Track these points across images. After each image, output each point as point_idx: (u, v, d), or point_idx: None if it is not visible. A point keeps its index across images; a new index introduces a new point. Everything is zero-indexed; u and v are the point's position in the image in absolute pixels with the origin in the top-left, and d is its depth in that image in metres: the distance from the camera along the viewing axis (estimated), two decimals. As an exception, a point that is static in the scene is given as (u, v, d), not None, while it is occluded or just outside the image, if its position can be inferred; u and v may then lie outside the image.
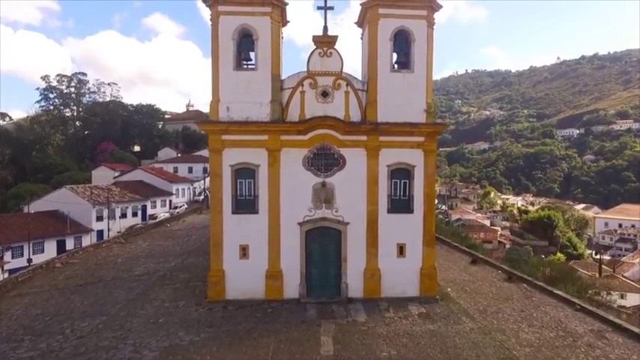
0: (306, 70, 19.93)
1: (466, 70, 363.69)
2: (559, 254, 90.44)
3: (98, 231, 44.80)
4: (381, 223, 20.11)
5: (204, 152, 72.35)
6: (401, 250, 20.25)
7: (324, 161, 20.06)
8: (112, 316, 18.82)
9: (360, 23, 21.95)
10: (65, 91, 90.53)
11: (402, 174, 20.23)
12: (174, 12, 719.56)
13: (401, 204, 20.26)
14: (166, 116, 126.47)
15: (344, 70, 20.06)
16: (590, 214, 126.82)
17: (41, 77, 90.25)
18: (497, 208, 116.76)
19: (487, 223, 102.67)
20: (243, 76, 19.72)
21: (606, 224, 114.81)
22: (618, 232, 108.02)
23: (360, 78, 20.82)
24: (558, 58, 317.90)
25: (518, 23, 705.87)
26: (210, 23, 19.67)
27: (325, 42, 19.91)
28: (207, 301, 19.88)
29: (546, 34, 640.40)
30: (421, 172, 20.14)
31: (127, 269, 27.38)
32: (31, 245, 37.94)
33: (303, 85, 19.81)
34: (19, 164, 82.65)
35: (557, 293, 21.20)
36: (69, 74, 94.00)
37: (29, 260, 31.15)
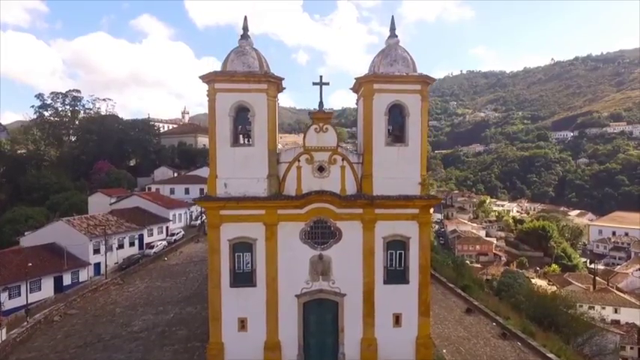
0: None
1: (461, 71, 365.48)
2: (554, 265, 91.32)
3: (95, 264, 44.82)
4: (377, 293, 20.39)
5: (201, 172, 72.47)
6: (397, 319, 20.55)
7: (321, 234, 20.32)
8: (112, 393, 19.05)
9: (355, 90, 22.18)
10: (60, 108, 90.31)
11: (397, 245, 20.50)
12: (163, 13, 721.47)
13: (396, 274, 20.56)
14: (161, 124, 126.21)
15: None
16: (584, 220, 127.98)
17: (35, 95, 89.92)
18: (493, 217, 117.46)
19: (482, 233, 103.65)
20: (240, 152, 19.92)
21: (600, 232, 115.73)
22: (612, 240, 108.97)
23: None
24: (552, 59, 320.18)
25: (507, 23, 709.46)
26: (207, 100, 19.87)
27: (321, 118, 20.15)
28: (207, 373, 20.12)
29: (539, 34, 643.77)
30: (416, 243, 20.43)
31: (125, 323, 27.57)
32: (28, 284, 37.88)
33: (299, 161, 20.06)
34: (13, 183, 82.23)
35: (551, 357, 21.56)
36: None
37: (27, 310, 31.18)
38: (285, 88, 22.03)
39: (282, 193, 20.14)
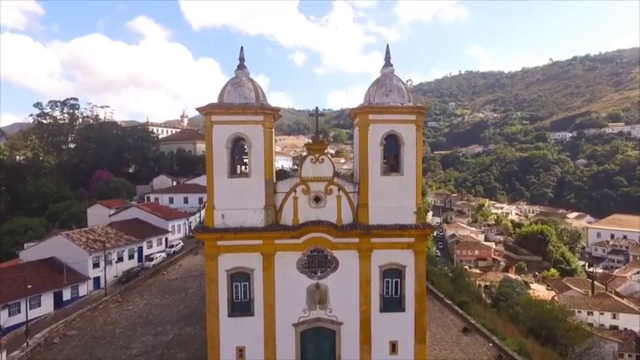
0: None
1: (459, 72, 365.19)
2: (552, 270, 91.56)
3: (95, 278, 44.97)
4: (373, 321, 20.62)
5: (199, 180, 72.49)
6: (393, 347, 20.77)
7: (318, 263, 20.53)
8: None
9: (351, 118, 22.35)
10: (59, 117, 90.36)
11: (393, 273, 20.73)
12: (159, 15, 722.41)
13: (393, 302, 20.79)
14: (160, 128, 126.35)
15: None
16: (583, 223, 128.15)
17: (34, 105, 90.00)
18: (492, 221, 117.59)
19: (481, 237, 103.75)
20: (237, 183, 20.12)
21: (599, 235, 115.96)
22: (610, 243, 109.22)
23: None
24: (550, 59, 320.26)
25: (504, 23, 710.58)
26: (205, 131, 20.03)
27: (317, 149, 20.33)
28: (206, 402, 20.32)
29: (536, 34, 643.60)
30: (412, 272, 20.63)
31: (124, 345, 27.71)
32: (28, 301, 37.97)
33: (296, 191, 20.26)
34: (12, 192, 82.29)
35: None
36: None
37: (27, 330, 31.32)
38: (281, 116, 22.29)
39: (279, 223, 20.35)
